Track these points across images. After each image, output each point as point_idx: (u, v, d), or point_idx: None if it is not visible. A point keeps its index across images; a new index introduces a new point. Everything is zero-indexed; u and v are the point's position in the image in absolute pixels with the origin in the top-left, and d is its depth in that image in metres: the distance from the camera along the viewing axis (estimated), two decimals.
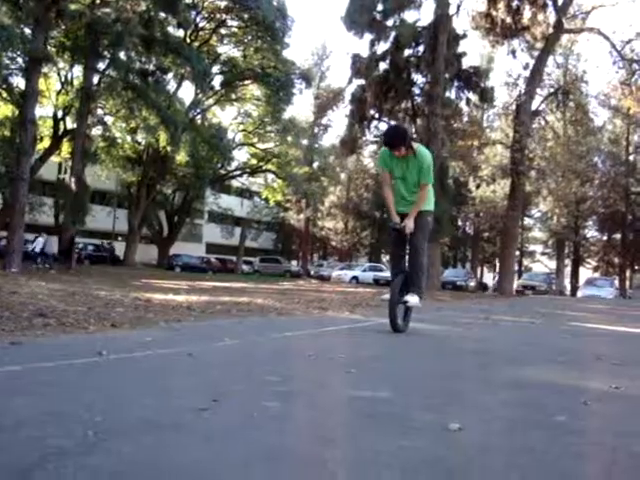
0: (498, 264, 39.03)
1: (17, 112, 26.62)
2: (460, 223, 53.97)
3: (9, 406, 2.23)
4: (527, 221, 54.29)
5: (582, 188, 45.85)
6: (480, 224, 53.34)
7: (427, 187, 5.67)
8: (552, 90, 35.75)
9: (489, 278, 58.23)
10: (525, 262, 58.89)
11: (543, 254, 58.90)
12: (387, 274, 38.44)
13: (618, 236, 50.48)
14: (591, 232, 54.60)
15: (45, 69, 26.52)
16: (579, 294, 35.82)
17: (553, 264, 54.51)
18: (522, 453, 1.96)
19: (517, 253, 44.79)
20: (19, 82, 28.06)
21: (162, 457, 1.76)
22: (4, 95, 28.97)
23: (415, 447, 1.96)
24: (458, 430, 2.16)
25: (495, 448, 2.02)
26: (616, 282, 42.34)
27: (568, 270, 53.18)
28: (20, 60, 25.76)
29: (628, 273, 51.35)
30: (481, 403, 2.74)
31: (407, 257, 5.77)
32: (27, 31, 23.34)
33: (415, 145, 5.59)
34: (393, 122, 31.90)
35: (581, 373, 3.83)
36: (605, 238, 52.82)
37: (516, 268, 42.68)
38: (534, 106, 31.53)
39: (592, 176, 47.90)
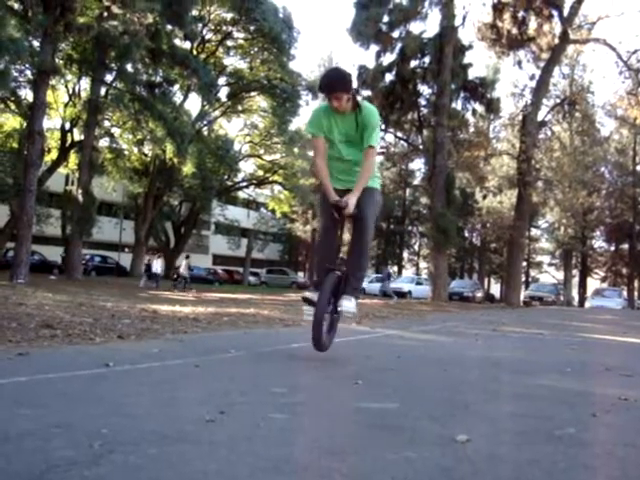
0: (505, 275, 38.90)
1: (25, 124, 26.78)
2: (467, 234, 53.87)
3: (15, 417, 2.23)
4: (534, 232, 54.16)
5: (589, 198, 45.73)
6: (487, 235, 53.23)
7: (373, 152, 4.33)
8: (558, 100, 35.77)
9: (496, 289, 58.05)
10: (532, 273, 58.73)
11: (550, 265, 58.72)
12: (395, 285, 38.47)
13: (626, 246, 50.28)
14: (599, 242, 54.49)
15: (53, 81, 26.65)
16: (587, 305, 35.66)
17: (560, 275, 54.34)
18: (530, 465, 1.94)
19: (524, 264, 44.69)
20: (27, 94, 28.30)
21: (168, 469, 1.76)
22: (12, 107, 29.16)
23: (422, 458, 1.95)
24: (466, 441, 2.14)
25: (503, 459, 2.01)
26: (624, 293, 42.11)
27: (576, 281, 53.01)
28: (28, 72, 25.95)
29: (636, 283, 51.11)
30: (489, 414, 2.73)
31: (350, 246, 4.49)
32: (35, 44, 23.50)
33: (359, 99, 4.38)
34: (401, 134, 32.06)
35: (590, 384, 3.80)
36: (613, 248, 52.64)
37: (523, 279, 42.58)
38: (540, 117, 31.55)
39: (599, 186, 47.82)
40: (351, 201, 4.17)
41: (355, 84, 29.33)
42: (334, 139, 4.40)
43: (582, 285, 51.40)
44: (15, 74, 24.04)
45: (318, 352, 4.14)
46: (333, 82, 4.22)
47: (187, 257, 29.03)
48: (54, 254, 37.84)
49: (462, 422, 2.53)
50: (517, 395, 3.24)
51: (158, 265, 27.78)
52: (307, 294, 4.40)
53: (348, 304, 4.30)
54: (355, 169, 4.39)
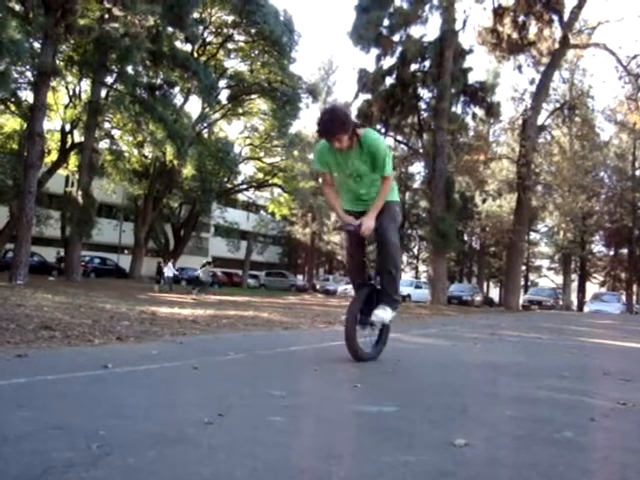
0: (504, 279, 38.90)
1: (25, 125, 26.80)
2: (466, 238, 53.84)
3: (13, 418, 2.23)
4: (533, 236, 54.17)
5: (588, 203, 45.78)
6: (486, 239, 53.21)
7: (388, 181, 4.34)
8: (558, 105, 35.84)
9: (495, 293, 58.06)
10: (531, 277, 58.72)
11: (549, 269, 58.72)
12: None
13: (625, 251, 50.31)
14: (598, 247, 54.50)
15: (53, 83, 26.69)
16: (586, 309, 35.66)
17: (559, 279, 54.35)
18: (528, 468, 1.94)
19: (523, 268, 44.67)
20: (28, 96, 28.34)
21: (166, 471, 1.76)
22: (13, 108, 29.18)
23: (421, 462, 1.95)
24: (464, 445, 2.14)
25: (501, 463, 2.01)
26: (623, 297, 42.12)
27: (575, 285, 53.01)
28: (29, 74, 26.01)
29: (635, 288, 51.13)
30: (487, 418, 2.72)
31: (378, 261, 4.52)
32: (36, 45, 23.54)
33: (361, 131, 4.25)
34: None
35: (588, 389, 3.80)
36: (612, 253, 52.66)
37: (522, 283, 42.57)
38: (540, 121, 31.59)
39: (598, 191, 47.87)
40: (366, 224, 4.25)
41: (355, 88, 29.42)
42: (343, 174, 4.44)
43: (581, 289, 51.41)
44: (16, 75, 24.09)
45: (320, 355, 4.15)
46: (331, 126, 4.12)
47: (209, 263, 29.38)
48: (54, 255, 37.83)
49: (461, 426, 2.52)
50: (516, 399, 3.24)
51: (171, 269, 28.35)
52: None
53: (380, 313, 4.38)
54: (365, 198, 4.46)
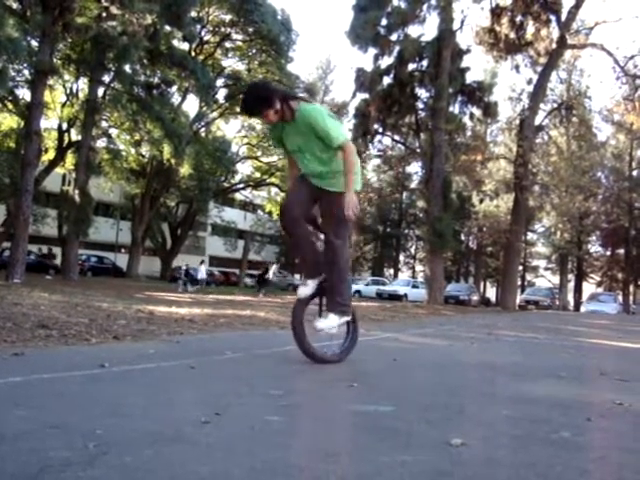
0: (501, 279, 38.94)
1: (22, 124, 26.75)
2: (463, 237, 53.94)
3: (10, 417, 2.23)
4: (530, 236, 54.24)
5: (585, 203, 45.85)
6: (483, 239, 53.30)
7: (347, 147, 3.92)
8: (555, 105, 35.90)
9: (492, 293, 58.12)
10: (528, 277, 58.80)
11: (546, 269, 58.80)
12: (391, 288, 38.53)
13: (622, 251, 50.40)
14: (594, 247, 54.59)
15: (51, 81, 26.60)
16: (582, 309, 35.71)
17: (556, 279, 54.42)
18: (526, 468, 1.94)
19: (520, 268, 44.72)
20: (25, 94, 28.26)
21: (163, 470, 1.75)
22: (10, 107, 29.11)
23: (418, 462, 1.95)
24: (461, 445, 2.14)
25: (498, 463, 2.01)
26: (620, 297, 42.21)
27: (571, 285, 53.09)
28: (26, 72, 25.93)
29: (632, 288, 51.21)
30: (484, 418, 2.73)
31: (324, 256, 4.14)
32: (34, 43, 23.48)
33: (295, 104, 3.94)
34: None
35: (585, 389, 3.81)
36: (609, 253, 52.76)
37: (519, 283, 42.60)
38: (537, 121, 31.62)
39: (595, 191, 47.94)
40: (348, 202, 3.89)
41: (353, 87, 29.41)
42: (289, 149, 4.18)
43: (578, 289, 51.48)
44: (13, 74, 24.01)
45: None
46: (252, 104, 3.98)
47: (274, 263, 29.69)
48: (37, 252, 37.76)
49: (458, 426, 2.53)
50: (513, 399, 3.24)
51: (203, 271, 28.68)
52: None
53: (322, 324, 4.04)
54: (320, 169, 4.06)
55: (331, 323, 4.04)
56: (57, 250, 34.87)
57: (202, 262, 31.20)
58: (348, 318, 4.22)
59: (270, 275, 27.69)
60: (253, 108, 3.99)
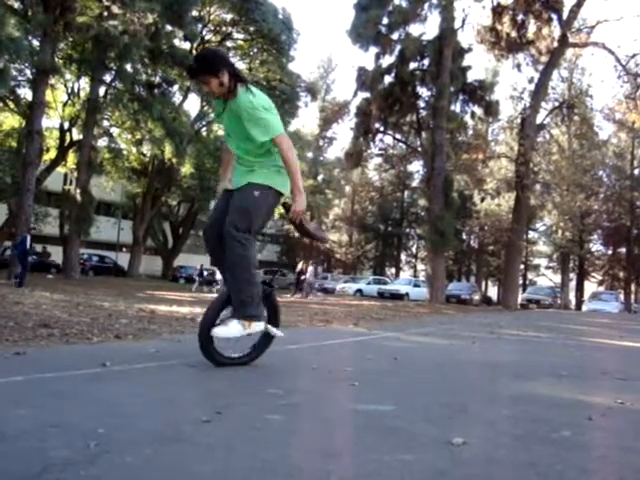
0: (502, 278, 38.90)
1: (24, 123, 26.77)
2: (465, 236, 53.87)
3: (11, 416, 2.23)
4: (532, 235, 54.16)
5: (587, 202, 45.79)
6: (485, 237, 53.23)
7: (283, 142, 3.62)
8: (557, 104, 35.84)
9: (493, 292, 58.05)
10: (530, 276, 58.70)
11: (548, 268, 58.69)
12: (392, 287, 38.51)
13: (623, 250, 50.32)
14: (596, 246, 54.48)
15: (52, 81, 26.65)
16: (584, 308, 35.67)
17: (558, 278, 54.35)
18: (526, 468, 1.94)
19: (522, 267, 44.68)
20: (26, 93, 28.28)
21: (164, 469, 1.76)
22: (11, 106, 29.13)
23: (419, 461, 1.95)
24: (462, 444, 2.14)
25: (499, 462, 2.01)
26: (621, 296, 42.14)
27: (573, 284, 53.01)
28: (28, 71, 25.96)
29: (633, 287, 51.14)
30: (485, 417, 2.73)
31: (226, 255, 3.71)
32: (35, 43, 23.50)
33: (240, 87, 3.64)
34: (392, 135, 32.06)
35: (586, 388, 3.81)
36: (610, 252, 52.66)
37: (520, 282, 42.57)
38: (539, 120, 31.56)
39: (597, 190, 47.88)
40: (294, 208, 3.65)
41: (354, 86, 29.39)
42: (225, 131, 3.89)
43: (579, 288, 51.41)
44: (14, 73, 24.04)
45: (318, 353, 4.13)
46: (197, 66, 3.68)
47: (313, 263, 29.84)
48: (53, 253, 37.78)
49: (459, 425, 2.53)
50: (514, 398, 3.24)
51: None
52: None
53: (220, 331, 3.58)
54: (240, 163, 3.82)
55: (232, 331, 3.58)
56: (57, 249, 34.88)
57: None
58: (258, 325, 3.72)
59: (307, 276, 27.69)
60: (198, 70, 3.66)
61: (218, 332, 3.55)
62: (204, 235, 3.93)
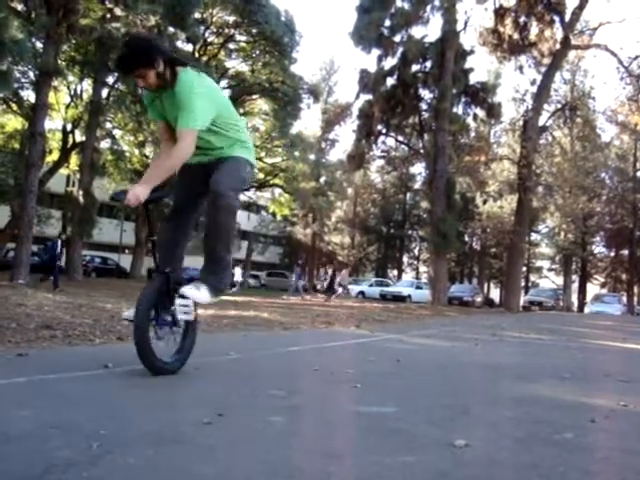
0: (505, 280, 38.86)
1: (27, 125, 26.81)
2: (467, 238, 53.80)
3: (14, 417, 2.23)
4: (534, 237, 54.10)
5: (589, 204, 45.73)
6: (487, 240, 53.19)
7: (185, 137, 3.29)
8: (559, 106, 35.81)
9: (496, 294, 57.97)
10: (532, 278, 58.65)
11: (550, 270, 58.61)
12: (394, 289, 38.49)
13: (626, 252, 50.23)
14: (599, 248, 54.38)
15: (55, 83, 26.66)
16: (586, 310, 35.62)
17: (560, 280, 54.25)
18: (529, 469, 1.94)
19: (524, 269, 44.64)
20: (29, 95, 28.31)
21: (166, 470, 1.76)
22: (14, 108, 29.19)
23: (420, 463, 1.95)
24: (464, 446, 2.14)
25: (501, 464, 2.01)
26: (624, 298, 42.08)
27: (575, 286, 52.92)
28: (31, 73, 25.98)
29: (636, 289, 51.04)
30: (487, 419, 2.72)
31: (206, 225, 3.63)
32: (38, 45, 23.52)
33: (180, 70, 3.38)
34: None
35: (588, 390, 3.80)
36: (613, 254, 52.58)
37: (523, 284, 42.52)
38: (541, 122, 31.53)
39: (599, 192, 47.82)
40: (133, 191, 3.30)
41: (357, 88, 29.42)
42: (169, 119, 3.53)
43: (582, 290, 51.32)
44: (18, 75, 24.07)
45: (320, 355, 4.13)
46: (128, 60, 3.31)
47: (347, 267, 30.20)
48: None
49: (461, 427, 2.52)
50: (516, 400, 3.23)
51: (238, 273, 30.24)
52: (125, 313, 3.60)
53: (192, 292, 3.40)
54: (206, 149, 3.55)
55: (202, 295, 3.43)
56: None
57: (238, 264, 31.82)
58: (219, 298, 3.62)
59: (340, 279, 27.96)
60: (131, 64, 3.29)
61: (189, 292, 3.38)
62: (168, 222, 3.83)
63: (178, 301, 3.44)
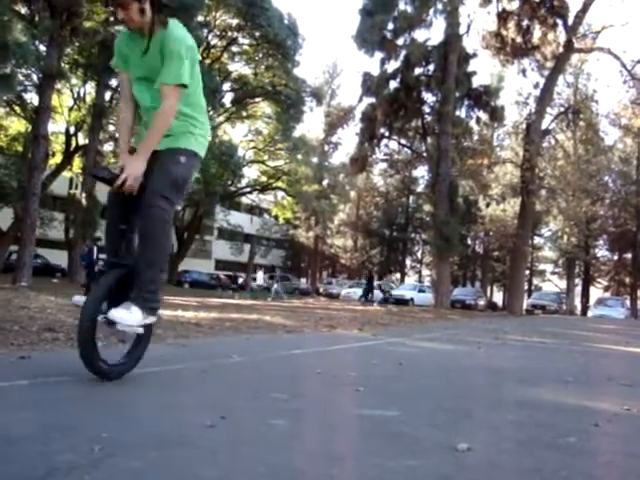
0: (508, 283, 38.81)
1: (30, 128, 26.87)
2: (470, 242, 53.80)
3: (17, 420, 2.23)
4: (537, 240, 54.06)
5: (592, 207, 45.68)
6: (490, 243, 53.18)
7: (170, 94, 3.03)
8: (562, 109, 35.83)
9: (499, 297, 57.90)
10: (535, 281, 58.57)
11: (553, 273, 58.53)
12: (397, 292, 38.44)
13: (629, 256, 50.13)
14: (602, 251, 54.30)
15: (58, 85, 26.74)
16: (589, 314, 35.55)
17: (563, 283, 54.16)
18: (531, 473, 1.93)
19: (527, 272, 44.57)
20: (33, 98, 28.40)
21: (169, 473, 1.76)
22: (18, 111, 29.27)
23: (423, 466, 1.95)
24: (467, 450, 2.14)
25: (504, 468, 2.00)
26: (627, 302, 41.97)
27: (578, 290, 52.83)
28: (34, 76, 26.07)
29: (639, 293, 50.94)
30: (490, 423, 2.72)
31: (138, 234, 3.16)
32: (42, 48, 23.61)
33: (172, 20, 3.10)
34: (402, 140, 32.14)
35: (591, 394, 3.79)
36: (616, 257, 52.49)
37: (526, 287, 42.44)
38: (544, 125, 31.55)
39: (603, 195, 47.77)
40: (129, 170, 2.99)
41: (360, 91, 29.44)
42: (131, 74, 3.22)
43: (585, 294, 51.22)
44: (21, 78, 24.14)
45: (323, 358, 4.12)
46: None
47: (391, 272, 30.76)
48: (58, 257, 37.84)
49: (463, 430, 2.52)
50: (519, 403, 3.23)
51: (260, 277, 29.48)
52: (75, 297, 3.23)
53: (121, 314, 2.93)
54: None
55: (133, 318, 2.98)
56: (62, 253, 34.95)
57: (257, 269, 32.02)
58: (152, 319, 3.17)
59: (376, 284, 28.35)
60: None
61: (117, 315, 2.91)
62: (109, 215, 3.31)
63: (119, 310, 2.96)
